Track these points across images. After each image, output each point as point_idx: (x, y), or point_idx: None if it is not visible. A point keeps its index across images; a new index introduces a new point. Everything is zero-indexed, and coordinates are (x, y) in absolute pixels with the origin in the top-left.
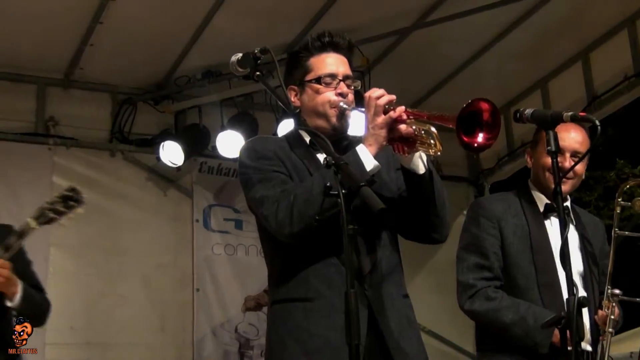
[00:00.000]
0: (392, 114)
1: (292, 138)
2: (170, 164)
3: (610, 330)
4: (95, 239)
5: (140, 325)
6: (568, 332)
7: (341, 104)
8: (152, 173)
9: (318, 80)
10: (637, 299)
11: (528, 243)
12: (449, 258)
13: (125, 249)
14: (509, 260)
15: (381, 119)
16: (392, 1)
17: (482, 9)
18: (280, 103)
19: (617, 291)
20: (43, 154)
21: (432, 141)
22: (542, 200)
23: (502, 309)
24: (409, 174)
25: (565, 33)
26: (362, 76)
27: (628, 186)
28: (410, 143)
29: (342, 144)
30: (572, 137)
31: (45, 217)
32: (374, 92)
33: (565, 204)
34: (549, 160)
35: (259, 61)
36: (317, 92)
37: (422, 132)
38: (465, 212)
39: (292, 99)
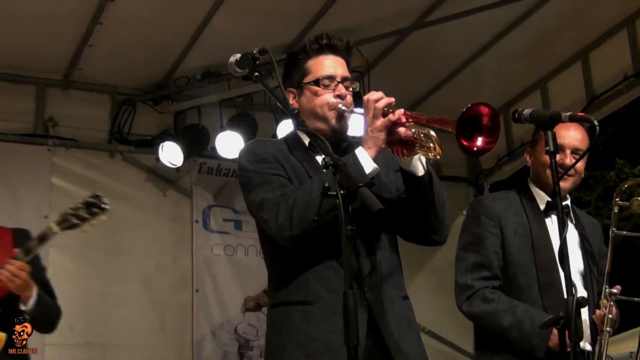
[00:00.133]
0: (390, 117)
1: (291, 140)
2: (169, 165)
3: (608, 329)
4: (95, 240)
5: (140, 326)
6: (567, 332)
7: (340, 105)
8: (151, 174)
9: (316, 82)
10: (635, 299)
11: (529, 241)
12: (449, 258)
13: (125, 250)
14: (510, 259)
15: (380, 122)
16: (391, 1)
17: (481, 9)
18: (278, 104)
19: (615, 290)
20: (42, 155)
21: (431, 144)
22: (543, 198)
23: (499, 312)
24: (408, 176)
25: (564, 33)
26: (362, 77)
27: (626, 185)
28: (409, 146)
29: (342, 145)
30: (572, 135)
31: (68, 223)
32: (373, 95)
33: (565, 203)
34: None
35: (257, 62)
36: (316, 94)
37: (422, 135)
38: (464, 213)
39: (291, 101)
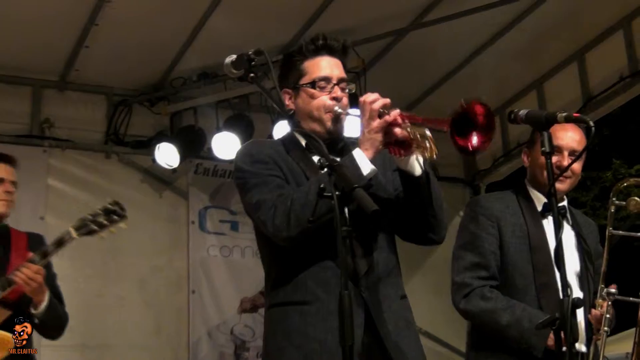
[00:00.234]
0: (387, 117)
1: (288, 141)
2: (165, 166)
3: (605, 329)
4: (91, 241)
5: (136, 327)
6: (562, 333)
7: (336, 108)
8: (147, 175)
9: (312, 84)
10: (632, 299)
11: (526, 242)
12: (445, 259)
13: (121, 251)
14: (507, 260)
15: (376, 123)
16: (387, 2)
17: (477, 10)
18: (274, 105)
19: (612, 290)
20: (38, 156)
21: (427, 144)
22: (540, 200)
23: (498, 310)
24: (406, 175)
25: (560, 34)
26: (358, 77)
27: (624, 185)
28: (406, 146)
29: (337, 146)
30: (570, 136)
31: (86, 229)
32: (369, 97)
33: (562, 204)
34: None
35: (253, 63)
36: (312, 96)
37: (418, 135)
38: (461, 213)
39: (287, 102)
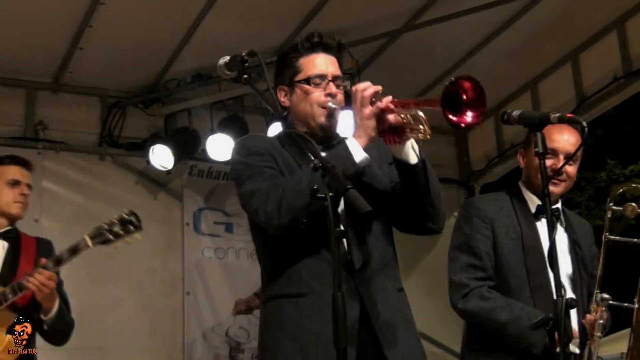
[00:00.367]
0: (379, 104)
1: (284, 136)
2: (160, 168)
3: (598, 334)
4: None
5: (131, 329)
6: (556, 333)
7: (330, 104)
8: (142, 177)
9: (307, 80)
10: (626, 304)
11: (520, 244)
12: (440, 259)
13: (115, 253)
14: (501, 261)
15: (368, 110)
16: (382, 3)
17: (471, 11)
18: (267, 106)
19: (606, 296)
20: (32, 158)
21: (421, 126)
22: (533, 201)
23: (497, 309)
24: (402, 165)
25: (554, 35)
26: (352, 78)
27: (620, 191)
28: (400, 132)
29: (332, 142)
30: (566, 139)
31: (102, 238)
32: (360, 85)
33: (556, 206)
34: None
35: (246, 64)
36: (306, 92)
37: (411, 118)
38: (455, 214)
39: (282, 99)
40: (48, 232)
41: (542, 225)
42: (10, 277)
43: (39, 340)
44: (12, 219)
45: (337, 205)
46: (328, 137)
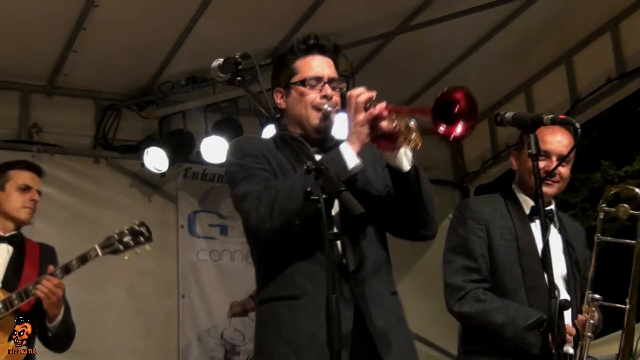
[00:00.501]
0: (372, 110)
1: (279, 139)
2: (154, 170)
3: (589, 334)
4: (80, 246)
5: (126, 332)
6: (550, 334)
7: (325, 106)
8: (136, 179)
9: (303, 82)
10: (617, 304)
11: (515, 245)
12: (435, 262)
13: (110, 256)
14: (497, 262)
15: (362, 116)
16: (375, 6)
17: (465, 13)
18: (261, 108)
19: (597, 296)
20: None
21: (413, 135)
22: (527, 203)
23: (493, 311)
24: (395, 171)
25: (548, 36)
26: (347, 81)
27: (613, 192)
28: (393, 139)
29: (327, 145)
30: (559, 141)
31: (112, 248)
32: (354, 91)
33: (550, 207)
34: None
35: (239, 66)
36: (302, 94)
37: (404, 126)
38: (450, 216)
39: (278, 101)
40: (42, 235)
41: (536, 227)
42: (14, 281)
43: (37, 344)
44: (19, 224)
45: (331, 207)
46: (322, 140)
